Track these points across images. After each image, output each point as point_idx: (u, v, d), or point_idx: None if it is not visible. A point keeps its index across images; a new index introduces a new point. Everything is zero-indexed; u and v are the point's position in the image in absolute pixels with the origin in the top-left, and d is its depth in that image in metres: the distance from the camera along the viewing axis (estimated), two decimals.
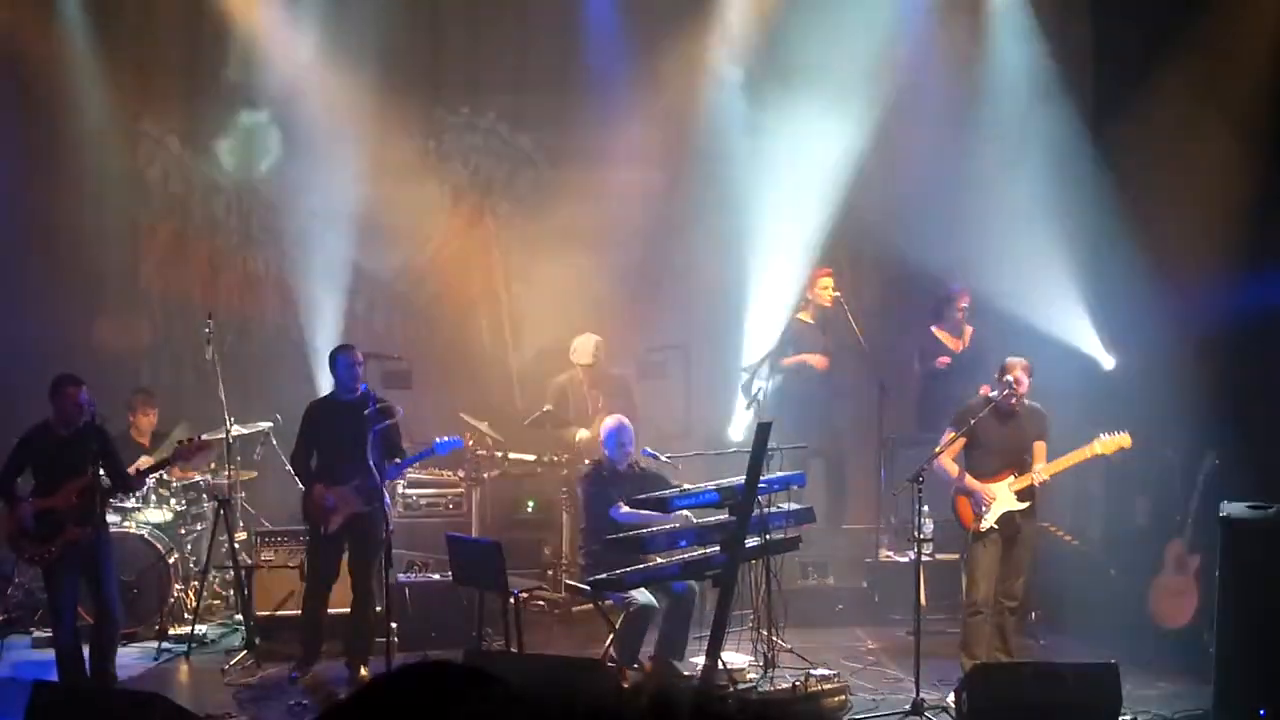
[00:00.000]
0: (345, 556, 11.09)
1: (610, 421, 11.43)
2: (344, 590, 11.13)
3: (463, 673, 2.85)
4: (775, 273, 14.50)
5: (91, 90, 14.09)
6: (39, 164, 14.09)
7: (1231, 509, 10.49)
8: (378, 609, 11.08)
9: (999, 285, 13.57)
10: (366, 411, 10.69)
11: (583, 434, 12.87)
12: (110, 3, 14.17)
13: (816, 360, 13.29)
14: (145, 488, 11.86)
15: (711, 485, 10.28)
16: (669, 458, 11.56)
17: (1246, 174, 12.23)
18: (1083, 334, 13.98)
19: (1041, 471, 10.53)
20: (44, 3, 13.81)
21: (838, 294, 13.17)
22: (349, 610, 11.11)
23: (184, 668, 11.53)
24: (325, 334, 14.21)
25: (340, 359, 11.18)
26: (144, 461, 11.73)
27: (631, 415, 12.47)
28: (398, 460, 11.08)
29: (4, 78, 13.83)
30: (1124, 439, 10.60)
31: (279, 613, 11.65)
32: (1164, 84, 12.96)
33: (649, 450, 11.60)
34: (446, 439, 11.68)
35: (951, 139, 14.17)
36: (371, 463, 10.67)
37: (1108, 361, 13.33)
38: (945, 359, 13.37)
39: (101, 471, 10.45)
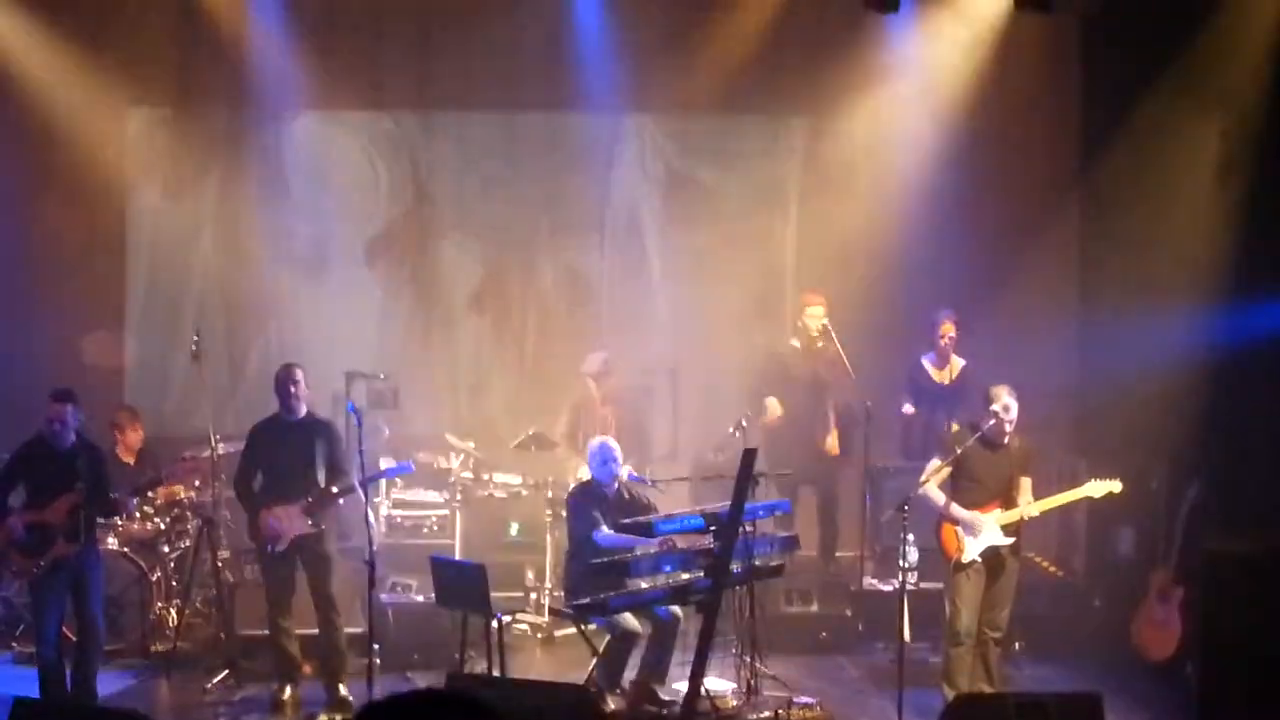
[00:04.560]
0: (300, 576, 11.05)
1: (593, 443, 11.42)
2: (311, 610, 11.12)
3: (454, 702, 2.84)
4: (766, 297, 14.60)
5: (82, 104, 14.09)
6: (26, 178, 14.09)
7: (1215, 540, 10.51)
8: (356, 629, 11.08)
9: (986, 314, 13.61)
10: (354, 430, 10.69)
11: (584, 471, 12.77)
12: (100, 17, 14.14)
13: (771, 411, 13.24)
14: (130, 509, 11.79)
15: (696, 510, 10.28)
16: (655, 482, 11.57)
17: (1231, 206, 12.27)
18: (1068, 362, 14.06)
19: (1030, 508, 10.50)
20: (33, 12, 13.77)
21: (825, 322, 13.13)
22: (316, 631, 11.12)
23: (165, 686, 11.48)
24: (315, 352, 14.25)
25: (280, 378, 11.16)
26: None
27: (641, 436, 12.59)
28: (335, 488, 10.96)
29: None
30: (1114, 484, 10.58)
31: (261, 632, 11.59)
32: (1151, 117, 13.03)
33: (635, 474, 11.59)
34: (395, 464, 11.70)
35: (942, 167, 14.24)
36: (322, 482, 10.84)
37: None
38: (909, 407, 13.36)
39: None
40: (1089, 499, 10.74)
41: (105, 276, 14.64)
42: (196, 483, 12.58)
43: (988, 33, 14.04)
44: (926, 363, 13.42)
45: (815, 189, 15.07)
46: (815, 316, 13.18)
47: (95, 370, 14.11)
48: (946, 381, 13.33)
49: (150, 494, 12.07)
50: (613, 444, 11.28)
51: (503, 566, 12.40)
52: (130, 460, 12.72)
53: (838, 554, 13.58)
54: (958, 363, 13.31)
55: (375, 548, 10.39)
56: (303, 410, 11.11)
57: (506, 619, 10.91)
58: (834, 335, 13.08)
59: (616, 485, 11.21)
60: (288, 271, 14.85)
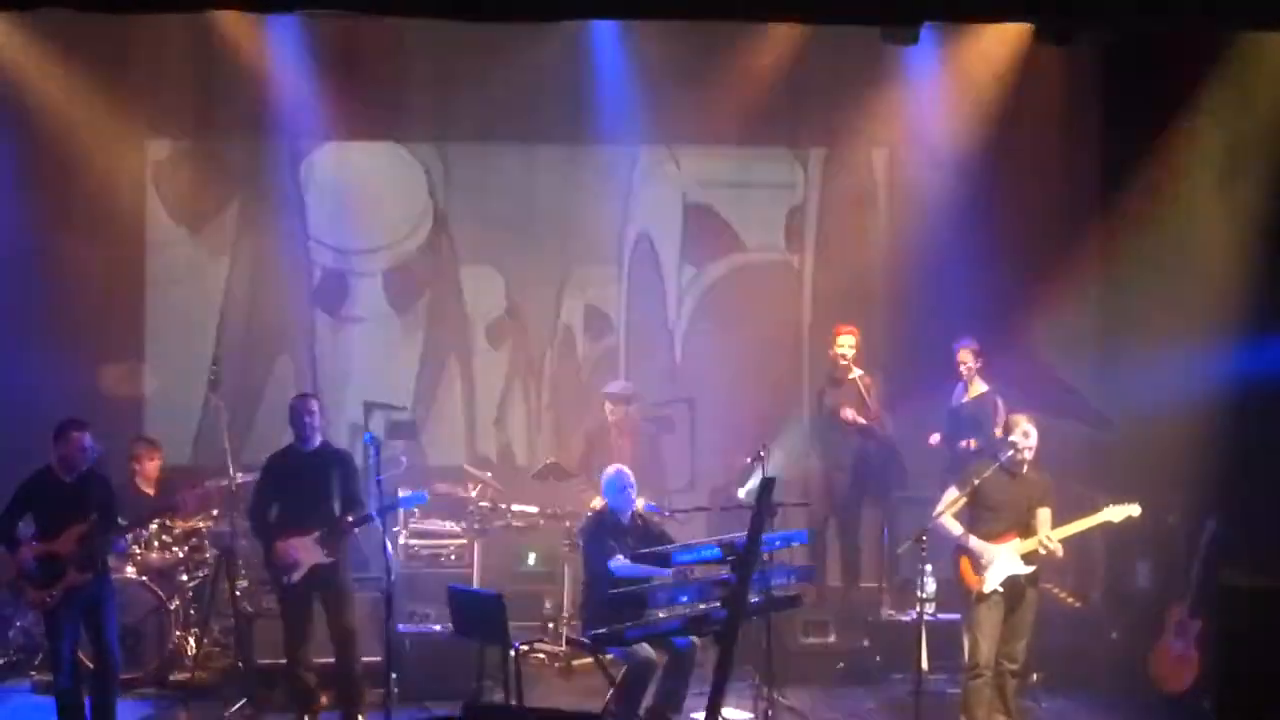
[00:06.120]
0: (317, 606, 11.04)
1: (609, 470, 11.42)
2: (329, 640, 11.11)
3: None
4: (786, 328, 14.65)
5: (100, 135, 14.15)
6: (42, 207, 14.13)
7: (1233, 574, 10.47)
8: (373, 659, 11.09)
9: (1005, 345, 13.60)
10: (370, 461, 10.73)
11: (598, 502, 12.70)
12: (119, 48, 14.19)
13: (850, 415, 13.28)
14: (128, 542, 11.79)
15: (713, 540, 10.26)
16: (672, 512, 11.55)
17: (1252, 237, 12.26)
18: (1087, 394, 14.03)
19: (1050, 539, 10.43)
20: (51, 46, 13.84)
21: (847, 350, 13.17)
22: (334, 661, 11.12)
23: (183, 716, 11.49)
24: (333, 383, 14.33)
25: (295, 409, 11.20)
26: None
27: (657, 466, 12.73)
28: (350, 517, 10.98)
29: (7, 121, 13.89)
30: (1133, 508, 10.52)
31: (278, 662, 11.58)
32: (1172, 145, 13.03)
33: (652, 504, 11.58)
34: (410, 494, 11.71)
35: (961, 198, 14.25)
36: (338, 512, 10.87)
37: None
38: (936, 437, 13.32)
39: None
40: (1109, 525, 10.67)
41: (124, 308, 14.65)
42: (215, 512, 12.61)
43: (1007, 63, 14.04)
44: (958, 390, 13.42)
45: (835, 220, 15.10)
46: (841, 346, 13.22)
47: (114, 401, 14.13)
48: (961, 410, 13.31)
49: (167, 521, 12.11)
50: (628, 471, 11.29)
51: (520, 596, 12.42)
52: (150, 490, 12.74)
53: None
54: (979, 388, 13.25)
55: (393, 578, 10.41)
56: (317, 441, 11.14)
57: (524, 649, 10.91)
58: (852, 366, 13.13)
59: (631, 513, 11.22)
60: (306, 302, 14.89)
